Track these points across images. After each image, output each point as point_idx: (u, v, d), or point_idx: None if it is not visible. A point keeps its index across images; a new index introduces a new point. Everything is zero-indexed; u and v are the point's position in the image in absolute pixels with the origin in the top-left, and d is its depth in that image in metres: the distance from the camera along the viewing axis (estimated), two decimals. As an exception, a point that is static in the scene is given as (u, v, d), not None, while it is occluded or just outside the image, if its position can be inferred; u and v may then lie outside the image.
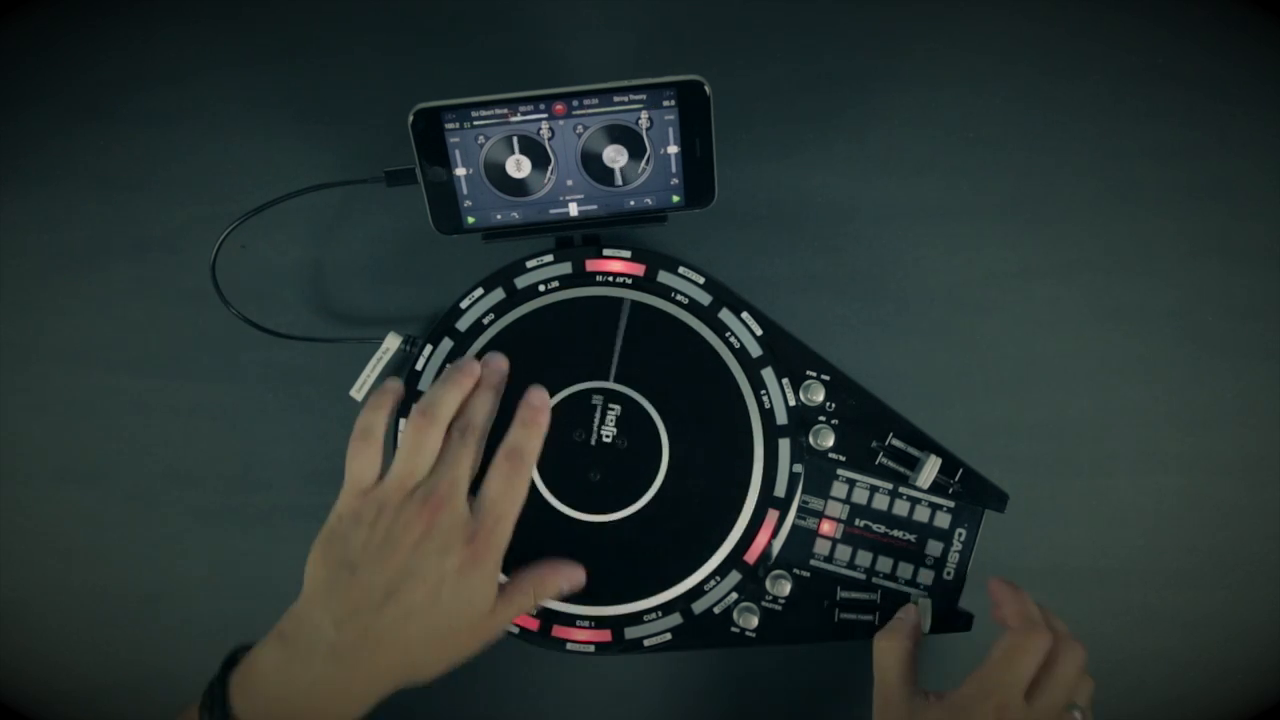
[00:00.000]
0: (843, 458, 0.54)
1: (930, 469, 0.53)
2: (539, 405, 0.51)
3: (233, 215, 0.56)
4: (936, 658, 0.58)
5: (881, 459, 0.55)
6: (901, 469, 0.54)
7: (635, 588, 0.53)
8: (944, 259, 0.59)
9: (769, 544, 0.53)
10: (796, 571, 0.55)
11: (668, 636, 0.54)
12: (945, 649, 0.57)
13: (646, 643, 0.54)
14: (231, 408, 0.59)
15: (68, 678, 0.60)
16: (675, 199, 0.54)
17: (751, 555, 0.53)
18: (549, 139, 0.52)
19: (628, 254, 0.54)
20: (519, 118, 0.51)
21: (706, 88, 0.50)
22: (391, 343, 0.57)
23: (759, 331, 0.54)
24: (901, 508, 0.55)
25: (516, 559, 0.51)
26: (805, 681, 0.59)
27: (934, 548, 0.55)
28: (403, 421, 0.53)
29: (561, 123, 0.51)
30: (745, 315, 0.54)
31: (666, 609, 0.53)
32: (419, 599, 0.46)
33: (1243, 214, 0.59)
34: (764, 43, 0.59)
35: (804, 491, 0.54)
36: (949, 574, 0.55)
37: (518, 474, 0.49)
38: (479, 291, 0.54)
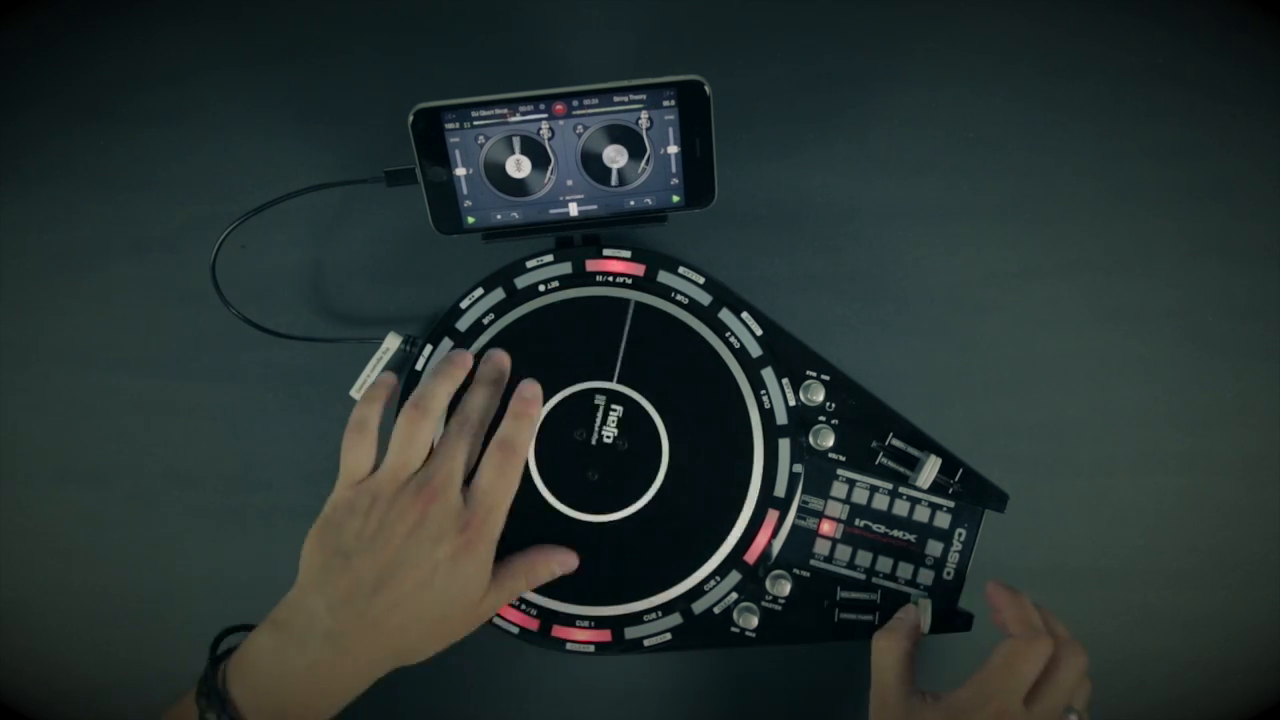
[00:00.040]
0: (843, 458, 0.54)
1: (930, 469, 0.53)
2: (530, 397, 0.51)
3: (233, 215, 0.56)
4: (936, 658, 0.58)
5: (881, 459, 0.55)
6: (901, 469, 0.54)
7: (635, 588, 0.53)
8: (944, 259, 0.59)
9: (769, 544, 0.53)
10: (796, 571, 0.55)
11: (668, 636, 0.54)
12: (945, 649, 0.57)
13: (646, 643, 0.54)
14: (231, 408, 0.59)
15: (68, 678, 0.60)
16: (675, 199, 0.54)
17: (751, 555, 0.53)
18: (549, 139, 0.52)
19: (628, 254, 0.54)
20: (519, 118, 0.51)
21: (706, 88, 0.50)
22: (391, 343, 0.57)
23: (759, 331, 0.54)
24: (901, 508, 0.55)
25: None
26: (805, 681, 0.59)
27: (934, 548, 0.55)
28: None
29: (561, 123, 0.51)
30: (745, 315, 0.54)
31: (666, 609, 0.53)
32: (412, 585, 0.47)
33: (1243, 214, 0.59)
34: (764, 43, 0.59)
35: (804, 491, 0.54)
36: (949, 574, 0.55)
37: (509, 464, 0.50)
38: (479, 291, 0.54)
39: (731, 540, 0.53)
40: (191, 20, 0.60)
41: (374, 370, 0.57)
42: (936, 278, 0.59)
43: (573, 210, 0.54)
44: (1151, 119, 0.59)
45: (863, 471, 0.55)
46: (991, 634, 0.50)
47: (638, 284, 0.54)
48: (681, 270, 0.54)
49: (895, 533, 0.55)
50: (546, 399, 0.53)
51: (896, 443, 0.55)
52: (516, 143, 0.52)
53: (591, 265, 0.54)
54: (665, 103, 0.51)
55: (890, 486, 0.55)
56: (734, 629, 0.54)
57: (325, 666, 0.46)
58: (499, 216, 0.54)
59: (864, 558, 0.55)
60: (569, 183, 0.53)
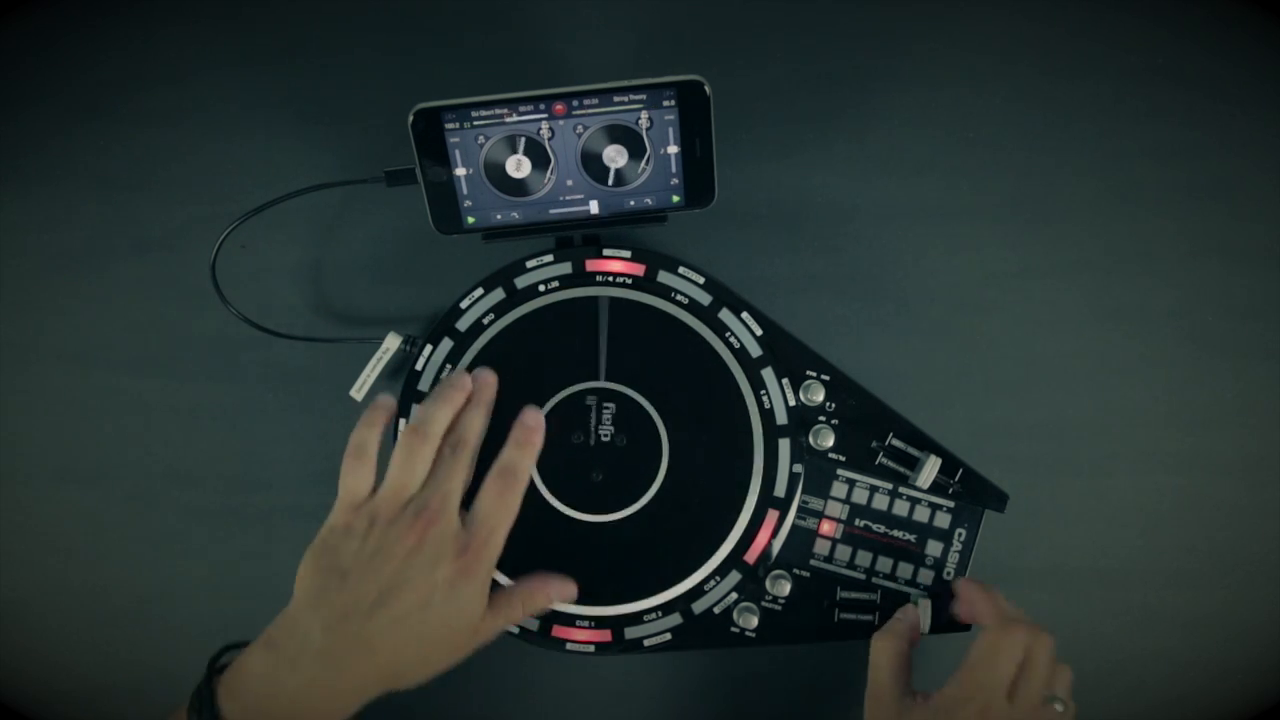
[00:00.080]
0: (843, 458, 0.54)
1: (930, 469, 0.53)
2: (533, 425, 0.51)
3: (233, 215, 0.56)
4: (935, 658, 0.58)
5: (881, 459, 0.55)
6: (901, 469, 0.54)
7: (635, 588, 0.53)
8: (944, 259, 0.59)
9: (769, 544, 0.53)
10: (796, 571, 0.55)
11: (668, 636, 0.54)
12: (947, 648, 0.57)
13: (646, 643, 0.54)
14: (231, 408, 0.59)
15: (68, 678, 0.60)
16: (675, 199, 0.54)
17: (751, 555, 0.53)
18: (549, 139, 0.52)
19: (628, 254, 0.54)
20: (519, 118, 0.51)
21: (706, 88, 0.50)
22: (391, 343, 0.57)
23: (759, 331, 0.54)
24: (901, 508, 0.55)
25: (517, 558, 0.51)
26: (805, 681, 0.59)
27: (934, 548, 0.55)
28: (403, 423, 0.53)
29: (561, 123, 0.51)
30: (745, 315, 0.54)
31: (666, 609, 0.53)
32: (409, 607, 0.46)
33: (1243, 214, 0.59)
34: (764, 43, 0.59)
35: (804, 491, 0.54)
36: (949, 574, 0.55)
37: (510, 491, 0.50)
38: (479, 291, 0.54)
39: (731, 540, 0.53)
40: (191, 20, 0.60)
41: (374, 370, 0.57)
42: (936, 278, 0.59)
43: (572, 210, 0.54)
44: (1151, 119, 0.59)
45: (863, 471, 0.55)
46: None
47: (638, 284, 0.54)
48: (681, 270, 0.54)
49: (895, 533, 0.55)
50: (541, 404, 0.53)
51: (896, 443, 0.55)
52: (516, 143, 0.52)
53: (592, 265, 0.54)
54: (665, 103, 0.51)
55: (890, 486, 0.55)
56: (734, 629, 0.54)
57: (317, 686, 0.46)
58: (499, 216, 0.54)
59: (864, 558, 0.55)
60: (569, 183, 0.53)
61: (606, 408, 0.53)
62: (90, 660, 0.60)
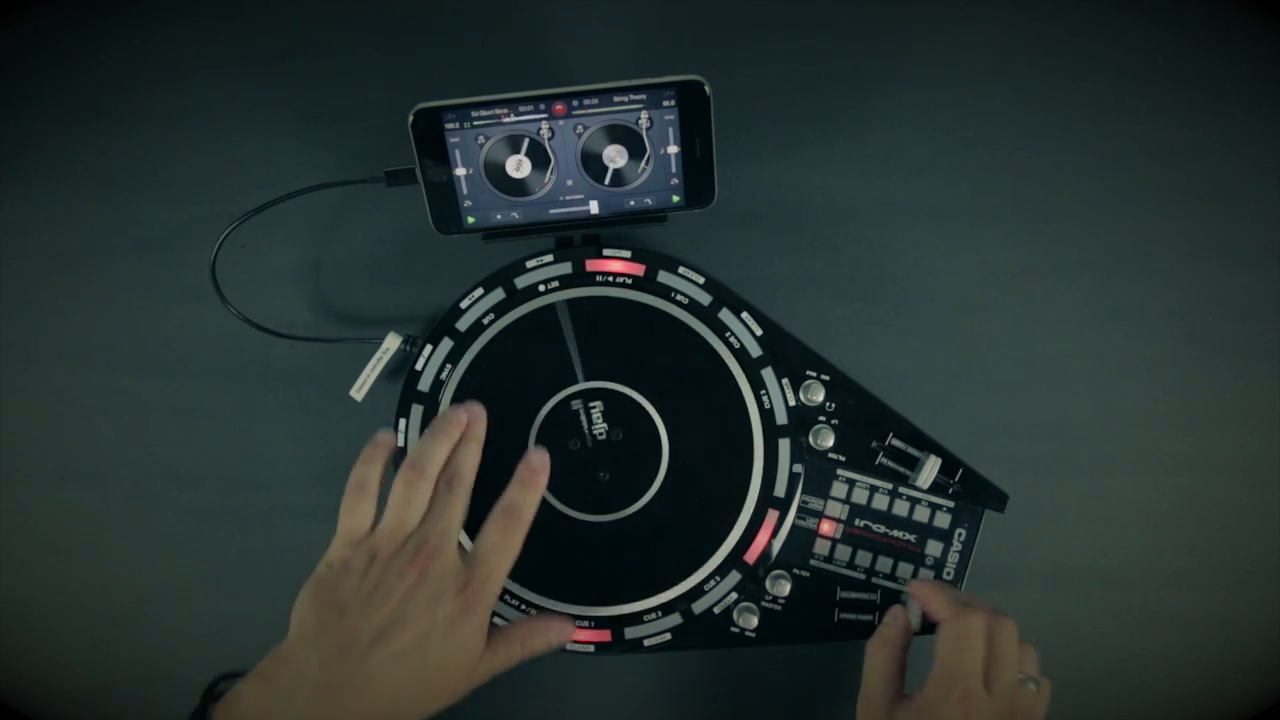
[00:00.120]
0: (843, 458, 0.54)
1: (930, 469, 0.53)
2: (538, 466, 0.51)
3: (233, 215, 0.56)
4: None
5: (881, 459, 0.55)
6: (901, 469, 0.54)
7: (635, 588, 0.53)
8: (944, 259, 0.59)
9: (769, 544, 0.53)
10: (796, 571, 0.55)
11: (668, 636, 0.54)
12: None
13: (646, 643, 0.54)
14: (231, 408, 0.59)
15: (68, 678, 0.60)
16: (675, 199, 0.54)
17: (751, 555, 0.53)
18: (549, 139, 0.52)
19: (628, 254, 0.54)
20: (519, 118, 0.51)
21: (706, 88, 0.50)
22: (391, 343, 0.57)
23: (759, 331, 0.54)
24: (901, 508, 0.55)
25: (520, 560, 0.51)
26: (805, 681, 0.59)
27: (934, 548, 0.55)
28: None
29: (561, 123, 0.51)
30: (745, 315, 0.54)
31: (666, 609, 0.53)
32: (408, 644, 0.46)
33: (1243, 214, 0.59)
34: (764, 43, 0.59)
35: (804, 491, 0.54)
36: (949, 574, 0.55)
37: (513, 530, 0.49)
38: (479, 291, 0.54)
39: (731, 540, 0.53)
40: (191, 20, 0.60)
41: (374, 370, 0.57)
42: (936, 278, 0.59)
43: (572, 210, 0.54)
44: (1151, 119, 0.59)
45: (863, 471, 0.55)
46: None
47: (638, 284, 0.54)
48: (681, 270, 0.54)
49: (895, 533, 0.55)
50: (527, 421, 0.53)
51: (896, 443, 0.55)
52: (517, 143, 0.52)
53: (592, 265, 0.54)
54: (665, 103, 0.51)
55: (890, 486, 0.55)
56: (734, 629, 0.54)
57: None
58: (499, 216, 0.54)
59: (864, 558, 0.55)
60: (569, 183, 0.53)
61: (593, 407, 0.53)
62: (90, 660, 0.60)
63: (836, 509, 0.55)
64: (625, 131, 0.52)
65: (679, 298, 0.54)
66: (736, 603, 0.54)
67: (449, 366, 0.54)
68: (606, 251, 0.55)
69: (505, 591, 0.53)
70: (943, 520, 0.55)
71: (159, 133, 0.60)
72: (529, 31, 0.59)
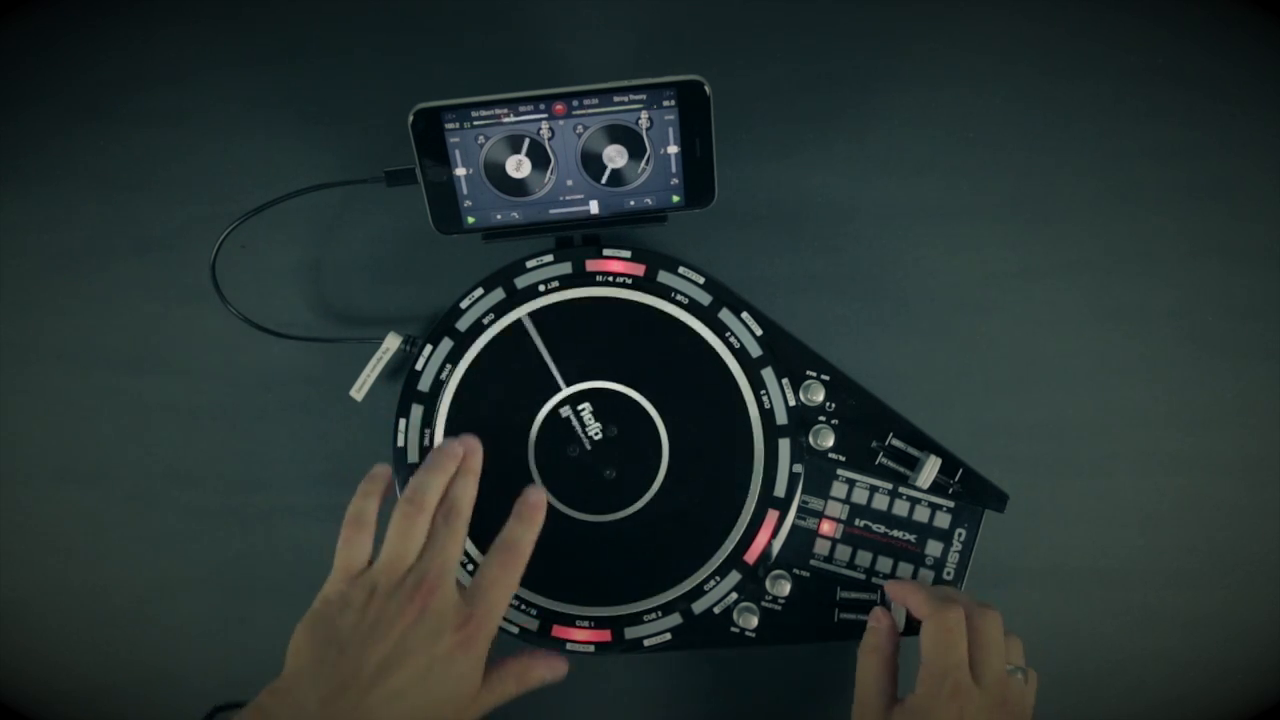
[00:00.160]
0: (843, 458, 0.54)
1: (930, 469, 0.53)
2: (535, 503, 0.51)
3: (233, 215, 0.56)
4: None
5: (881, 459, 0.55)
6: (901, 469, 0.54)
7: (635, 588, 0.53)
8: (944, 259, 0.59)
9: (769, 544, 0.53)
10: (796, 571, 0.55)
11: (668, 636, 0.54)
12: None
13: (646, 643, 0.54)
14: (231, 408, 0.59)
15: (68, 678, 0.60)
16: (675, 199, 0.54)
17: (751, 555, 0.53)
18: (549, 139, 0.52)
19: (628, 254, 0.54)
20: (519, 118, 0.51)
21: (706, 88, 0.50)
22: (391, 343, 0.57)
23: (759, 331, 0.54)
24: (901, 508, 0.55)
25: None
26: (805, 681, 0.59)
27: (934, 548, 0.55)
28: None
29: (561, 123, 0.51)
30: (745, 315, 0.54)
31: (666, 609, 0.53)
32: (408, 680, 0.45)
33: (1243, 214, 0.59)
34: (764, 43, 0.59)
35: (804, 491, 0.54)
36: (949, 574, 0.55)
37: (512, 566, 0.49)
38: (479, 291, 0.54)
39: (731, 540, 0.53)
40: (191, 20, 0.60)
41: (374, 370, 0.57)
42: (936, 278, 0.59)
43: (572, 210, 0.54)
44: (1151, 119, 0.59)
45: (863, 471, 0.55)
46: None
47: (638, 284, 0.54)
48: (681, 270, 0.54)
49: (895, 533, 0.55)
50: (520, 437, 0.53)
51: (896, 443, 0.55)
52: (517, 143, 0.52)
53: (592, 265, 0.54)
54: (665, 103, 0.51)
55: (890, 486, 0.55)
56: (734, 629, 0.54)
57: None
58: (499, 216, 0.54)
59: (864, 558, 0.55)
60: (569, 183, 0.53)
61: (582, 409, 0.53)
62: (90, 660, 0.60)
63: (836, 509, 0.55)
64: (625, 131, 0.52)
65: (679, 298, 0.54)
66: (736, 603, 0.54)
67: (449, 366, 0.54)
68: (606, 251, 0.55)
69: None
70: (943, 520, 0.55)
71: (159, 133, 0.60)
72: (529, 31, 0.59)
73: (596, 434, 0.53)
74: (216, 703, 0.53)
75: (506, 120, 0.51)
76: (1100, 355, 0.59)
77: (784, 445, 0.53)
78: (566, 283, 0.54)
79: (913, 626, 0.52)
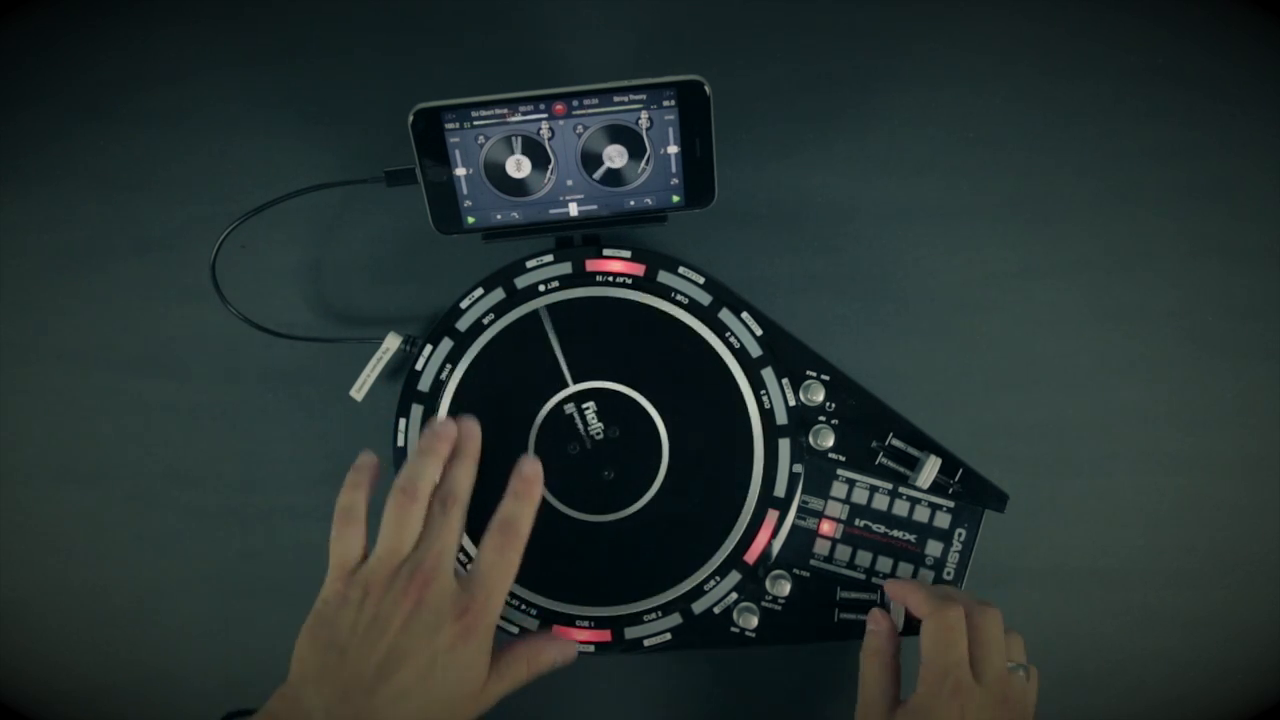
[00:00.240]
0: (843, 458, 0.54)
1: (930, 469, 0.53)
2: (531, 477, 0.50)
3: (233, 215, 0.56)
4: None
5: (881, 459, 0.55)
6: (901, 469, 0.54)
7: (635, 588, 0.53)
8: (944, 259, 0.59)
9: (769, 544, 0.53)
10: (796, 571, 0.55)
11: (668, 636, 0.54)
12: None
13: (646, 643, 0.54)
14: (231, 408, 0.59)
15: (68, 678, 0.60)
16: (675, 199, 0.54)
17: (751, 555, 0.53)
18: (549, 139, 0.52)
19: (628, 254, 0.54)
20: (519, 118, 0.51)
21: (706, 88, 0.50)
22: (391, 343, 0.57)
23: (759, 331, 0.54)
24: (901, 508, 0.55)
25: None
26: (805, 681, 0.59)
27: (934, 548, 0.55)
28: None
29: (561, 123, 0.51)
30: (745, 315, 0.54)
31: (666, 609, 0.53)
32: (411, 678, 0.45)
33: (1243, 214, 0.59)
34: (764, 43, 0.59)
35: (804, 491, 0.54)
36: (949, 574, 0.55)
37: (510, 546, 0.48)
38: (479, 291, 0.54)
39: (731, 540, 0.53)
40: (191, 20, 0.60)
41: (374, 370, 0.57)
42: (936, 278, 0.59)
43: (573, 210, 0.54)
44: (1151, 119, 0.59)
45: (863, 471, 0.55)
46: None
47: (638, 284, 0.54)
48: (681, 270, 0.54)
49: (895, 533, 0.55)
50: (522, 431, 0.53)
51: (896, 443, 0.55)
52: (516, 143, 0.52)
53: (592, 265, 0.54)
54: (665, 103, 0.51)
55: (890, 486, 0.55)
56: (734, 629, 0.54)
57: None
58: (499, 216, 0.54)
59: (864, 558, 0.55)
60: (569, 183, 0.53)
61: (586, 408, 0.53)
62: (90, 660, 0.60)
63: (836, 509, 0.55)
64: (625, 131, 0.52)
65: (679, 298, 0.54)
66: (736, 603, 0.54)
67: (449, 366, 0.54)
68: (606, 251, 0.55)
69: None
70: (943, 520, 0.55)
71: (159, 133, 0.60)
72: (529, 31, 0.59)
73: (598, 434, 0.53)
74: (217, 704, 0.53)
75: (506, 120, 0.51)
76: (1100, 355, 0.59)
77: (784, 445, 0.53)
78: (566, 283, 0.54)
79: (912, 626, 0.52)
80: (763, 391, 0.53)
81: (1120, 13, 0.59)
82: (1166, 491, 0.59)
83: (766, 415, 0.53)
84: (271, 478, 0.59)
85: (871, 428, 0.54)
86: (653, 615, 0.53)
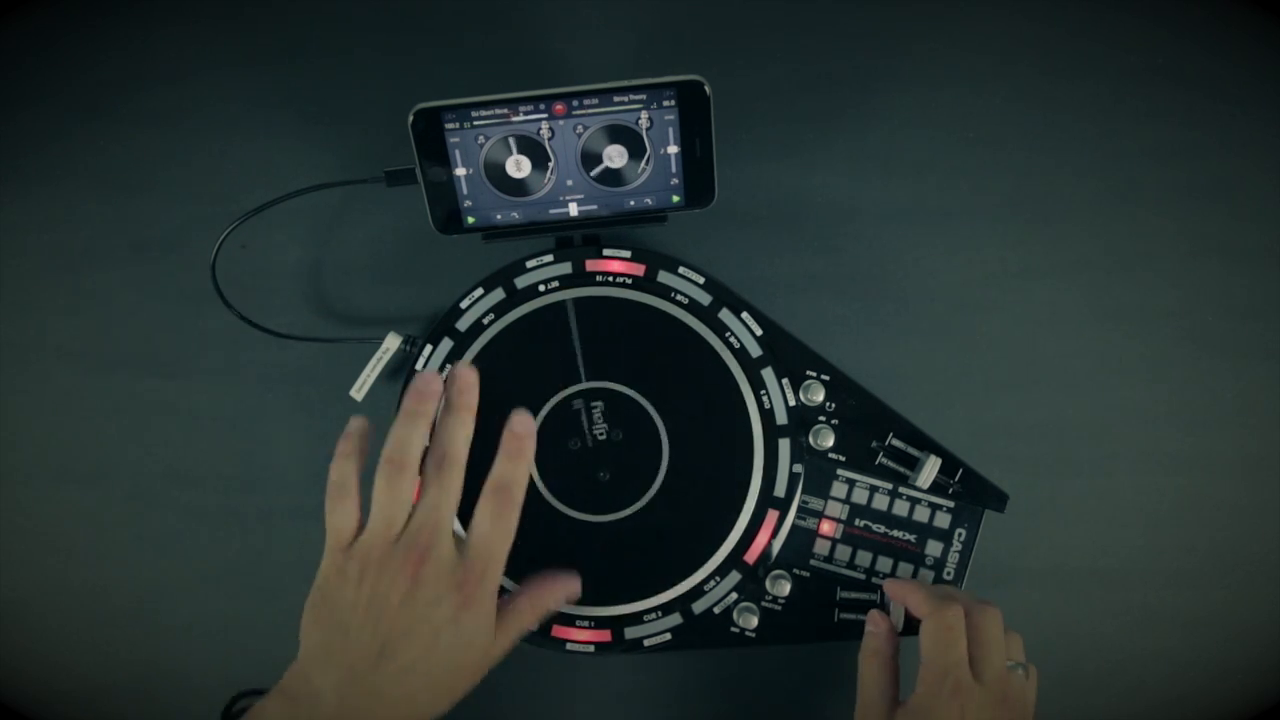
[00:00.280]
0: (843, 458, 0.54)
1: (930, 469, 0.53)
2: (523, 432, 0.48)
3: (233, 215, 0.56)
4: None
5: (881, 459, 0.55)
6: (901, 469, 0.54)
7: (635, 588, 0.53)
8: (944, 259, 0.59)
9: (769, 544, 0.53)
10: (796, 571, 0.55)
11: (668, 636, 0.54)
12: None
13: (646, 643, 0.54)
14: (231, 408, 0.59)
15: (68, 678, 0.60)
16: (675, 199, 0.54)
17: (751, 555, 0.53)
18: (549, 139, 0.52)
19: (628, 254, 0.54)
20: (519, 118, 0.51)
21: (706, 88, 0.50)
22: (391, 343, 0.57)
23: (759, 331, 0.54)
24: (901, 508, 0.55)
25: (517, 559, 0.51)
26: (805, 681, 0.59)
27: (934, 548, 0.55)
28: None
29: (561, 123, 0.51)
30: (745, 315, 0.54)
31: (666, 609, 0.53)
32: (415, 654, 0.45)
33: (1243, 214, 0.59)
34: (764, 43, 0.59)
35: (804, 491, 0.54)
36: (949, 574, 0.55)
37: (506, 510, 0.47)
38: (479, 291, 0.54)
39: (731, 540, 0.53)
40: (191, 20, 0.60)
41: (374, 370, 0.57)
42: (936, 278, 0.59)
43: (573, 210, 0.54)
44: (1151, 119, 0.59)
45: (863, 471, 0.55)
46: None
47: (638, 284, 0.54)
48: (681, 270, 0.54)
49: (895, 533, 0.55)
50: (535, 410, 0.52)
51: (896, 443, 0.55)
52: (516, 143, 0.52)
53: (592, 265, 0.54)
54: (665, 103, 0.51)
55: (890, 486, 0.55)
56: (734, 629, 0.54)
57: None
58: (499, 216, 0.54)
59: (864, 558, 0.55)
60: (569, 183, 0.53)
61: (595, 406, 0.53)
62: (90, 660, 0.60)
63: (836, 509, 0.55)
64: (625, 131, 0.52)
65: (679, 298, 0.54)
66: (736, 603, 0.54)
67: (449, 366, 0.54)
68: (606, 251, 0.55)
69: (503, 590, 0.53)
70: (943, 520, 0.55)
71: (159, 133, 0.60)
72: (529, 31, 0.59)
73: (601, 434, 0.53)
74: (217, 704, 0.53)
75: (507, 120, 0.51)
76: (1100, 355, 0.59)
77: (784, 445, 0.53)
78: (566, 282, 0.54)
79: (912, 626, 0.52)
80: (763, 391, 0.53)
81: (1120, 13, 0.59)
82: (1166, 491, 0.59)
83: (766, 415, 0.53)
84: (271, 478, 0.59)
85: (871, 428, 0.54)
86: (653, 615, 0.53)
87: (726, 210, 0.58)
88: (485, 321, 0.54)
